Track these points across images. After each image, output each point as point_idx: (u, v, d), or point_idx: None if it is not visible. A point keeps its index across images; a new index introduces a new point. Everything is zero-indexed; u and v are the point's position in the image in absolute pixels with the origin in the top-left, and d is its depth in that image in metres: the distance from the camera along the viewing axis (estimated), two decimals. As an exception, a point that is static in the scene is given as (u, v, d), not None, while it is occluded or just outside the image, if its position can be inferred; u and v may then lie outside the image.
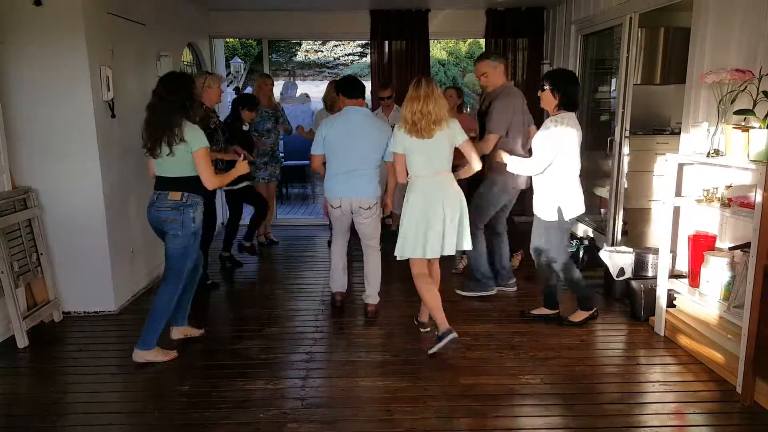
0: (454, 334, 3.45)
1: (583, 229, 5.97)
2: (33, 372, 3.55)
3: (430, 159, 3.54)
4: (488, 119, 4.22)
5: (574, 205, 3.78)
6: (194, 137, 3.31)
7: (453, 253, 3.62)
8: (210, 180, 3.37)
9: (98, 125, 4.06)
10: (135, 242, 4.66)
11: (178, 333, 3.80)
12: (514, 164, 3.92)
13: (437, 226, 3.53)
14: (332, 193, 4.01)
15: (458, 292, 4.62)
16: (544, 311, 4.11)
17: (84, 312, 4.29)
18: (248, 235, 5.49)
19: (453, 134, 3.56)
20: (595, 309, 4.05)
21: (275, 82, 6.44)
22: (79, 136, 4.03)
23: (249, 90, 11.51)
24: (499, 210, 4.46)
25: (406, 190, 3.65)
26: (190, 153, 3.32)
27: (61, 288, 4.22)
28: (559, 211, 3.75)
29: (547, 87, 3.72)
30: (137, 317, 4.27)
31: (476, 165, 3.70)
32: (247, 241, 5.49)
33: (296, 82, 15.14)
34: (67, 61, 3.92)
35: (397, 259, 3.65)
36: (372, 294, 4.22)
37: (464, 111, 6.38)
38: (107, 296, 4.28)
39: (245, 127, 5.25)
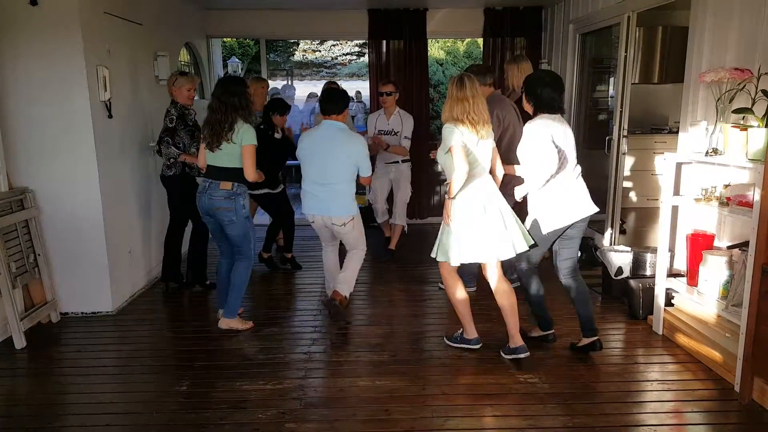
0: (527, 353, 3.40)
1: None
2: (31, 373, 3.55)
3: (485, 158, 3.31)
4: None
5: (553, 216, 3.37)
6: (245, 135, 3.70)
7: (512, 254, 3.27)
8: (251, 174, 3.74)
9: (95, 125, 4.05)
10: (133, 243, 4.65)
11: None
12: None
13: (498, 227, 3.25)
14: (305, 208, 3.99)
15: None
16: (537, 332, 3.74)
17: (82, 313, 4.28)
18: (266, 246, 5.32)
19: (492, 135, 3.39)
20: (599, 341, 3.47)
21: (274, 83, 6.27)
22: (76, 136, 4.02)
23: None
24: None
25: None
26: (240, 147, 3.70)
27: (59, 289, 4.21)
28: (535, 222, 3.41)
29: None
30: (135, 318, 4.28)
31: (499, 171, 3.49)
32: (265, 252, 5.32)
33: (294, 83, 15.10)
34: (64, 61, 3.91)
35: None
36: (345, 281, 3.97)
37: None
38: (105, 297, 4.27)
39: (277, 135, 4.91)
